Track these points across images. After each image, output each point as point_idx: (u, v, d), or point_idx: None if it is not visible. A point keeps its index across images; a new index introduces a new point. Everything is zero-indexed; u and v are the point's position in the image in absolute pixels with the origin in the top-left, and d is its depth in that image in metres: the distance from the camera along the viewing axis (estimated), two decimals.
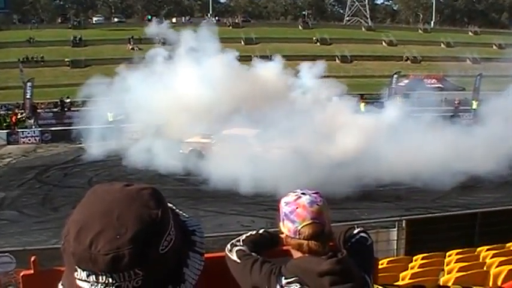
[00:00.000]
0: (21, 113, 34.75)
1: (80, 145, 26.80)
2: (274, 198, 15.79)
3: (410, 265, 7.61)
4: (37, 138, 30.61)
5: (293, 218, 2.05)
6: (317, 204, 2.06)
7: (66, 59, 54.21)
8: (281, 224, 2.11)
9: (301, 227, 2.03)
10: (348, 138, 20.13)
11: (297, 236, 2.04)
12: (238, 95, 24.55)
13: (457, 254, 7.81)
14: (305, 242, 2.03)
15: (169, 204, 1.21)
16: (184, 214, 1.26)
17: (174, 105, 24.62)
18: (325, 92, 26.74)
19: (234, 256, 2.20)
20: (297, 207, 2.06)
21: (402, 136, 19.69)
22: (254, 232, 2.39)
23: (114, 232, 1.04)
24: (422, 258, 7.75)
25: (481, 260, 7.58)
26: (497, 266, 7.01)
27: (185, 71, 26.30)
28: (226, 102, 24.06)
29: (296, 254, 2.08)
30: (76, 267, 1.06)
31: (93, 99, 27.79)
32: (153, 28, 36.00)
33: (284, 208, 2.09)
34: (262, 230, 2.44)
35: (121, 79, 26.61)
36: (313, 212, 2.04)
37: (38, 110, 37.81)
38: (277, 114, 20.23)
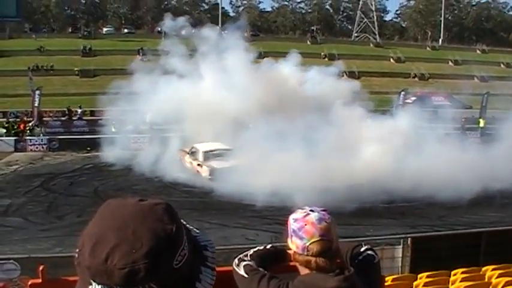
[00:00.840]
0: (30, 121, 34.92)
1: (87, 154, 26.91)
2: (280, 213, 15.86)
3: (415, 283, 7.57)
4: (44, 146, 30.72)
5: (301, 234, 2.06)
6: (325, 222, 2.08)
7: (76, 68, 54.50)
8: (289, 240, 2.12)
9: (310, 244, 2.04)
10: (371, 153, 20.12)
11: (305, 253, 2.05)
12: (264, 102, 24.11)
13: (462, 272, 7.77)
14: (313, 258, 2.04)
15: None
16: (195, 229, 1.28)
17: (197, 112, 24.18)
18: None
19: (241, 271, 2.21)
20: (305, 224, 2.07)
21: (419, 151, 19.82)
22: (262, 247, 2.40)
23: (129, 246, 1.05)
24: (427, 277, 7.71)
25: (486, 280, 7.54)
26: (503, 286, 6.98)
27: (209, 77, 25.93)
28: (251, 110, 23.68)
29: (303, 271, 2.09)
30: (91, 280, 1.08)
31: (109, 108, 27.70)
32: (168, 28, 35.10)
33: (292, 225, 2.10)
34: (270, 245, 2.45)
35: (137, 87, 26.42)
36: (321, 229, 2.06)
37: (46, 118, 38.03)
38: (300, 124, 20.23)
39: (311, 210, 2.12)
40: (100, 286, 1.07)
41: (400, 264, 9.28)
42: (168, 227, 1.10)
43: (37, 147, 30.83)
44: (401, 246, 9.42)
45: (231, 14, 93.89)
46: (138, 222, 1.09)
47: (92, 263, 1.07)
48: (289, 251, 2.17)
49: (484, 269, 8.08)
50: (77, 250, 1.12)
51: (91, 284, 1.08)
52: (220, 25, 44.38)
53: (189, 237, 1.20)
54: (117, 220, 1.11)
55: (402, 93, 39.92)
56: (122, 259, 1.04)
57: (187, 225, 1.26)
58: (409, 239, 9.53)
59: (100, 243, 1.07)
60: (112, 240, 1.07)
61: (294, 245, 2.09)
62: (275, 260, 2.35)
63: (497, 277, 7.47)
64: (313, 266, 2.05)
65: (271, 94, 24.64)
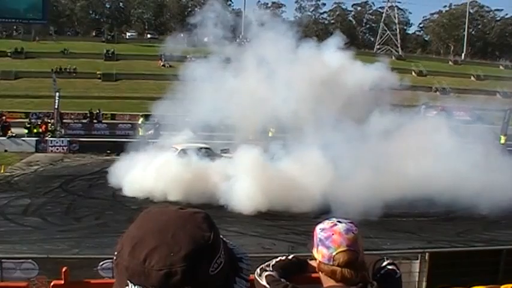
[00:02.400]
0: (50, 122, 35.39)
1: (106, 157, 27.11)
2: (297, 222, 15.85)
3: None
4: (65, 148, 31.13)
5: (328, 244, 2.07)
6: (352, 232, 2.09)
7: (98, 72, 55.14)
8: (314, 250, 2.13)
9: (336, 253, 2.05)
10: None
11: (331, 262, 2.06)
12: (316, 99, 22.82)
13: None
14: (339, 269, 2.05)
15: None
16: (231, 242, 1.31)
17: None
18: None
19: (263, 281, 2.22)
20: (332, 234, 2.08)
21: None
22: (284, 257, 2.41)
23: (168, 249, 1.08)
24: None
25: None
26: None
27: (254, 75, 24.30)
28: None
29: (326, 282, 2.09)
30: (128, 281, 1.10)
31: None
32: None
33: (319, 234, 2.11)
34: (292, 255, 2.46)
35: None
36: (348, 239, 2.07)
37: (67, 120, 38.50)
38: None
39: (338, 221, 2.13)
40: (137, 287, 1.09)
41: (417, 279, 9.20)
42: (207, 234, 1.13)
43: (57, 149, 31.23)
44: (418, 261, 9.34)
45: (254, 22, 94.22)
46: (178, 228, 1.12)
47: (131, 263, 1.09)
48: (312, 262, 2.17)
49: (502, 287, 7.98)
50: (116, 252, 1.14)
51: (127, 285, 1.11)
52: (242, 33, 44.49)
53: (226, 247, 1.23)
54: (157, 224, 1.14)
55: (423, 106, 39.64)
56: (160, 261, 1.07)
57: (224, 238, 1.28)
58: (427, 254, 9.45)
59: (139, 244, 1.10)
60: (151, 243, 1.09)
61: (320, 254, 2.09)
62: (296, 271, 2.36)
63: None
64: (339, 277, 2.05)
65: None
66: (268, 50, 24.22)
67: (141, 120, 33.83)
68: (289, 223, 16.68)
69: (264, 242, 15.22)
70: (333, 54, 25.45)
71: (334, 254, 2.05)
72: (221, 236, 1.26)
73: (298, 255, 2.47)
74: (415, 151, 20.33)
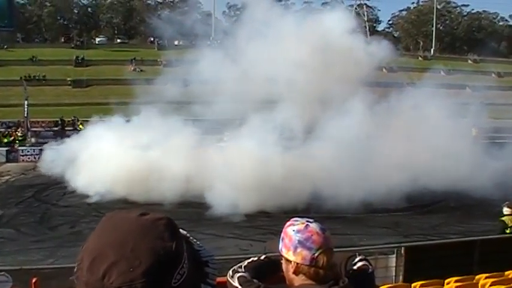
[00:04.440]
0: (22, 131, 34.89)
1: None
2: (273, 223, 15.85)
3: None
4: (36, 157, 30.58)
5: (309, 245, 2.04)
6: (326, 231, 2.09)
7: (68, 79, 54.44)
8: (290, 252, 2.09)
9: (318, 254, 2.03)
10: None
11: (313, 263, 2.04)
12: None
13: (456, 281, 7.77)
14: (321, 270, 2.04)
15: (184, 232, 1.21)
16: (198, 243, 1.27)
17: None
18: None
19: (235, 282, 2.20)
20: (311, 235, 2.06)
21: None
22: (256, 258, 2.39)
23: (127, 264, 1.04)
24: (421, 286, 7.71)
25: None
26: None
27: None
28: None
29: (297, 281, 2.08)
30: None
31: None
32: None
33: (296, 236, 2.08)
34: (264, 256, 2.44)
35: None
36: (326, 238, 2.07)
37: (38, 129, 37.98)
38: None
39: (308, 221, 2.11)
40: None
41: (394, 274, 9.27)
42: (168, 244, 1.08)
43: (29, 158, 30.76)
44: (394, 256, 9.42)
45: (225, 23, 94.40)
46: (138, 239, 1.07)
47: (89, 280, 1.05)
48: (283, 262, 2.14)
49: (477, 277, 8.08)
50: (76, 264, 1.10)
51: None
52: (213, 35, 44.38)
53: (191, 252, 1.18)
54: (117, 236, 1.09)
55: None
56: (119, 277, 1.03)
57: (190, 239, 1.25)
58: (403, 248, 9.53)
59: (98, 259, 1.05)
60: (110, 257, 1.05)
61: (300, 256, 2.06)
62: (269, 271, 2.33)
63: (490, 285, 7.48)
64: (321, 277, 2.03)
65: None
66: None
67: None
68: (266, 223, 16.72)
69: (241, 243, 15.22)
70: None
71: (316, 254, 2.03)
72: (188, 237, 1.23)
73: (270, 255, 2.45)
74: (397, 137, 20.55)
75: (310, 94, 22.45)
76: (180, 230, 1.19)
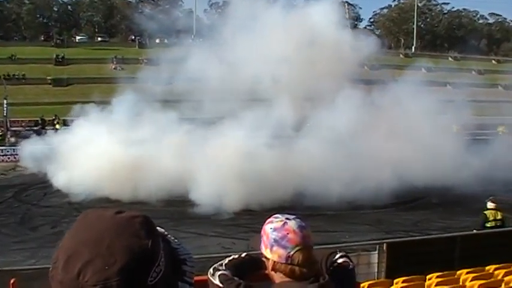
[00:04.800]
0: (1, 131, 34.50)
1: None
2: (256, 220, 15.85)
3: None
4: (17, 157, 30.22)
5: (285, 243, 2.03)
6: (305, 229, 2.06)
7: (48, 77, 53.91)
8: (267, 250, 2.08)
9: (294, 253, 2.01)
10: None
11: (289, 262, 2.02)
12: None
13: (437, 277, 7.84)
14: (297, 268, 2.02)
15: (161, 230, 1.20)
16: (176, 241, 1.26)
17: None
18: None
19: (216, 280, 2.19)
20: (287, 233, 2.04)
21: None
22: (237, 256, 2.38)
23: (103, 262, 1.02)
24: (403, 282, 7.76)
25: (460, 283, 7.62)
26: None
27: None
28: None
29: (277, 279, 2.07)
30: None
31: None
32: None
33: (272, 234, 2.06)
34: (245, 253, 2.43)
35: None
36: (303, 236, 2.04)
37: (18, 128, 37.57)
38: None
39: (287, 219, 2.09)
40: None
41: (376, 270, 9.32)
42: (144, 242, 1.07)
43: (9, 158, 30.39)
44: (377, 252, 9.47)
45: (206, 21, 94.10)
46: (114, 237, 1.06)
47: (64, 278, 1.04)
48: (265, 260, 2.13)
49: (458, 272, 8.16)
50: (52, 263, 1.08)
51: None
52: (194, 33, 44.24)
53: (168, 250, 1.17)
54: (92, 234, 1.07)
55: None
56: (94, 275, 1.02)
57: (168, 237, 1.24)
58: (385, 244, 9.58)
59: (73, 257, 1.04)
60: (85, 255, 1.04)
61: (276, 254, 2.05)
62: (251, 269, 2.32)
63: (471, 280, 7.56)
64: (298, 274, 2.02)
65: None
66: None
67: None
68: (249, 221, 16.72)
69: (224, 241, 15.21)
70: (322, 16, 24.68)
71: (292, 253, 2.02)
72: (166, 235, 1.22)
73: (252, 253, 2.44)
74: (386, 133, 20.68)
75: (296, 90, 22.43)
76: (158, 228, 1.18)
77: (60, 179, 20.94)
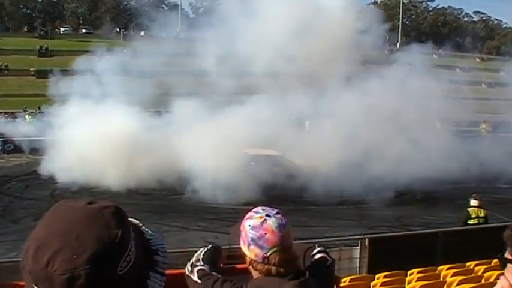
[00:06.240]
0: None
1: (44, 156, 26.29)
2: (238, 215, 15.84)
3: (372, 283, 7.66)
4: None
5: (262, 244, 2.00)
6: (284, 228, 2.02)
7: (32, 69, 53.35)
8: (245, 247, 2.05)
9: (271, 254, 1.99)
10: None
11: (265, 262, 2.00)
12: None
13: (419, 272, 7.90)
14: (273, 267, 1.99)
15: (135, 221, 1.21)
16: (149, 231, 1.25)
17: None
18: None
19: (194, 276, 2.18)
20: (265, 233, 2.00)
21: None
22: (206, 249, 2.38)
23: (71, 252, 1.02)
24: (385, 277, 7.81)
25: (441, 279, 7.68)
26: (457, 285, 7.12)
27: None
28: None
29: (255, 274, 2.06)
30: (33, 285, 1.05)
31: None
32: None
33: (250, 233, 2.03)
34: (210, 245, 2.44)
35: None
36: (282, 237, 2.00)
37: None
38: None
39: (267, 215, 2.05)
40: None
41: (358, 265, 9.38)
42: (114, 231, 1.07)
43: None
44: (358, 247, 9.53)
45: (191, 15, 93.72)
46: (84, 227, 1.06)
47: (34, 268, 1.04)
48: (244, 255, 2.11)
49: (439, 268, 8.24)
50: (23, 253, 1.09)
51: None
52: (179, 26, 44.03)
53: (140, 240, 1.17)
54: (63, 224, 1.07)
55: None
56: (62, 265, 1.01)
57: (142, 228, 1.23)
58: (367, 239, 9.64)
59: (43, 247, 1.04)
60: (55, 245, 1.04)
61: (253, 253, 2.03)
62: (215, 258, 2.36)
63: (451, 276, 7.63)
64: (274, 274, 2.00)
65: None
66: None
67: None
68: (231, 215, 16.71)
69: (207, 235, 15.19)
70: None
71: (268, 254, 1.99)
72: (139, 225, 1.22)
73: (215, 244, 2.53)
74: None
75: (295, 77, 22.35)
76: (131, 219, 1.18)
77: (51, 166, 20.96)
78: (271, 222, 2.02)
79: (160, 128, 22.48)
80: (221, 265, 2.38)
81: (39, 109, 39.03)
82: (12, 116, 38.38)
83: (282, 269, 1.99)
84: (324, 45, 22.47)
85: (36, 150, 26.08)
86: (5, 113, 39.73)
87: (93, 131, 20.76)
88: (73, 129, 21.54)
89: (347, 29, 23.82)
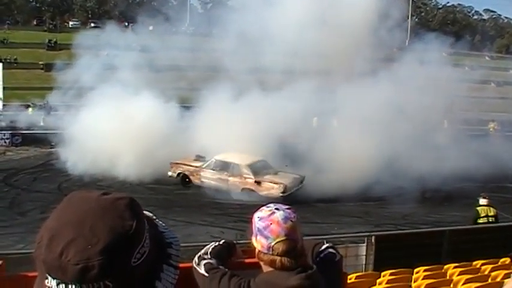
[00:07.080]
0: None
1: (51, 149, 26.35)
2: (245, 210, 15.87)
3: (378, 281, 7.64)
4: (7, 141, 30.01)
5: (267, 234, 2.03)
6: (291, 221, 2.05)
7: (40, 62, 53.47)
8: (253, 238, 2.09)
9: (275, 244, 2.02)
10: None
11: (270, 252, 2.03)
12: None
13: (425, 270, 7.88)
14: (278, 258, 2.02)
15: (149, 214, 1.22)
16: (163, 225, 1.26)
17: None
18: None
19: (201, 269, 2.19)
20: (271, 223, 2.03)
21: None
22: (216, 243, 2.39)
23: (85, 242, 1.03)
24: (391, 274, 7.79)
25: (448, 277, 7.65)
26: (463, 284, 7.09)
27: None
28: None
29: (266, 268, 2.07)
30: (47, 274, 1.06)
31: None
32: None
33: (258, 223, 2.07)
34: (223, 240, 2.44)
35: None
36: (287, 228, 2.02)
37: (8, 113, 37.31)
38: None
39: (276, 209, 2.08)
40: (55, 281, 1.05)
41: (364, 262, 9.37)
42: (128, 223, 1.08)
43: None
44: (365, 244, 9.51)
45: (200, 10, 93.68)
46: (97, 218, 1.07)
47: (47, 257, 1.05)
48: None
49: (446, 267, 8.20)
50: (36, 243, 1.10)
51: (47, 278, 1.06)
52: (188, 21, 44.03)
53: (154, 233, 1.18)
54: (76, 214, 1.08)
55: None
56: (76, 255, 1.02)
57: (156, 221, 1.25)
58: (373, 237, 9.62)
59: (57, 237, 1.05)
60: (69, 235, 1.04)
61: (259, 244, 2.06)
62: (227, 254, 2.36)
63: (458, 275, 7.60)
64: (278, 265, 2.03)
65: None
66: None
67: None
68: (237, 211, 16.76)
69: (212, 230, 15.22)
70: None
71: (273, 244, 2.02)
72: (153, 218, 1.22)
73: (228, 239, 2.49)
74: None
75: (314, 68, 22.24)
76: (145, 212, 1.19)
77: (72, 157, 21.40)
78: (279, 214, 2.06)
79: (180, 120, 22.75)
80: (236, 260, 2.37)
81: (47, 102, 39.02)
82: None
83: (286, 260, 2.01)
84: (342, 39, 22.36)
85: (52, 143, 26.26)
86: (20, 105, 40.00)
87: (110, 123, 20.98)
88: (91, 122, 21.72)
89: (367, 24, 23.65)
